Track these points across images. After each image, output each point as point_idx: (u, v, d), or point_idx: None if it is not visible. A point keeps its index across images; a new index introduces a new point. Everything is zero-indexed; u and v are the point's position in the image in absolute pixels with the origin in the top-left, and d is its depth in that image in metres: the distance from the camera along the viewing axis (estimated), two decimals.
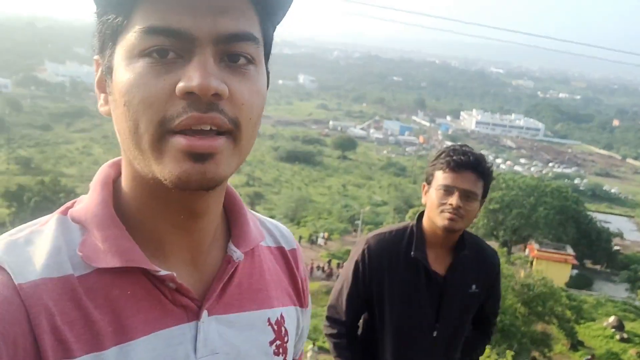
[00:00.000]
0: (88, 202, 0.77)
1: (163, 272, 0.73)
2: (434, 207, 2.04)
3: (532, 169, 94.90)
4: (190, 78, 0.64)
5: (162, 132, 0.66)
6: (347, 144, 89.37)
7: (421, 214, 2.18)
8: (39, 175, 46.36)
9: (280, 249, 0.98)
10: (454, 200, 1.98)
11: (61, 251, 0.71)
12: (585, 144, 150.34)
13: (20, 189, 39.87)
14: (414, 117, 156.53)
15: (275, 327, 0.88)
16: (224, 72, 0.68)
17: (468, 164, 1.99)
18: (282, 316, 0.91)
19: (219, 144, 0.67)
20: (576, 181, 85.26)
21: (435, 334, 2.12)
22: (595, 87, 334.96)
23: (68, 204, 0.80)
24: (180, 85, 0.64)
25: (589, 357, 16.54)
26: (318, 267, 30.47)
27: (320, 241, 39.08)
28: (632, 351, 22.49)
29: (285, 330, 0.90)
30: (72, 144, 71.15)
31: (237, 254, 0.83)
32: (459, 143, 2.12)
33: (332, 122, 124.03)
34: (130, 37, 0.67)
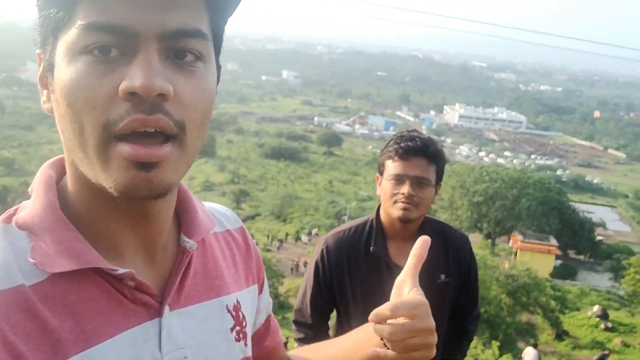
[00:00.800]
0: (33, 206, 0.72)
1: (121, 271, 0.70)
2: (387, 198, 1.97)
3: (515, 161, 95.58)
4: (133, 77, 0.61)
5: (107, 137, 0.63)
6: (333, 140, 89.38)
7: (380, 207, 2.11)
8: (23, 177, 45.84)
9: (228, 232, 0.96)
10: (405, 189, 1.91)
11: (9, 261, 0.67)
12: (567, 135, 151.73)
13: (3, 190, 39.46)
14: (398, 112, 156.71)
15: (234, 312, 0.88)
16: (170, 70, 0.65)
17: (417, 150, 1.93)
18: (238, 301, 0.90)
19: (164, 152, 0.64)
20: (558, 172, 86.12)
21: None
22: (576, 79, 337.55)
23: (10, 211, 0.75)
24: (123, 85, 0.61)
25: (606, 352, 16.27)
26: (305, 264, 30.49)
27: (305, 238, 39.10)
28: (616, 340, 22.80)
29: (243, 315, 0.90)
30: (54, 144, 70.23)
31: (189, 243, 0.80)
32: (407, 129, 2.05)
33: (317, 118, 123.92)
34: (72, 33, 0.63)
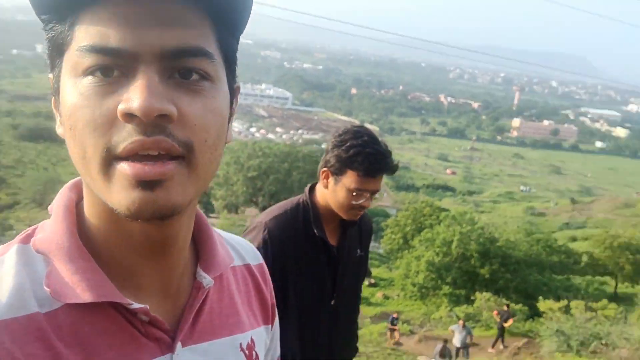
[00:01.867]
0: (52, 230, 0.70)
1: (136, 305, 0.68)
2: (343, 205, 2.01)
3: (285, 136, 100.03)
4: (130, 99, 0.58)
5: (109, 159, 0.60)
6: None
7: (312, 188, 2.14)
8: None
9: (247, 267, 0.94)
10: (366, 203, 2.00)
11: (25, 287, 0.65)
12: (328, 111, 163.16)
13: None
14: None
15: (247, 351, 0.85)
16: (174, 90, 0.61)
17: (383, 169, 1.98)
18: (252, 340, 0.87)
19: (168, 170, 0.60)
20: (323, 146, 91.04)
21: (333, 302, 2.15)
22: (334, 58, 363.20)
23: (29, 231, 0.73)
24: (120, 107, 0.58)
25: (394, 314, 17.09)
26: None
27: None
28: (378, 294, 25.33)
29: (256, 354, 0.87)
30: None
31: (206, 280, 0.78)
32: (366, 134, 2.02)
33: None
34: (73, 55, 0.61)
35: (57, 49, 0.64)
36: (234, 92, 0.73)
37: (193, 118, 0.62)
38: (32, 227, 0.74)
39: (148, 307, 0.69)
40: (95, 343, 0.66)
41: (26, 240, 0.71)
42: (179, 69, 0.62)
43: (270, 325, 0.97)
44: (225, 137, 0.69)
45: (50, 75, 0.68)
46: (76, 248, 0.68)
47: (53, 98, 0.68)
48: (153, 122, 0.59)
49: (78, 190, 0.76)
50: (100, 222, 0.69)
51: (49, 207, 0.75)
